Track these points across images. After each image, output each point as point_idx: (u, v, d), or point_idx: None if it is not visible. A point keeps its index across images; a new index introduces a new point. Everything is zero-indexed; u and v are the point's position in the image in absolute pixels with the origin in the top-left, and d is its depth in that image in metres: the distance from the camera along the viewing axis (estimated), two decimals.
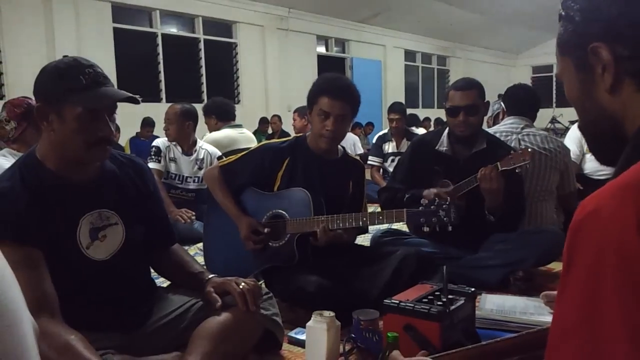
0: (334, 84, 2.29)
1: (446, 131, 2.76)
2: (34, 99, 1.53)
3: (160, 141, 3.96)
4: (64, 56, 1.55)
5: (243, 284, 1.66)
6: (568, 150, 3.11)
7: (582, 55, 0.76)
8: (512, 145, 2.83)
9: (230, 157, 2.53)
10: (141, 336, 1.64)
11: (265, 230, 2.27)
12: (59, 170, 1.51)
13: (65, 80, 1.43)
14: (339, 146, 2.53)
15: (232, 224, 2.41)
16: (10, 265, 1.34)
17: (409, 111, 6.39)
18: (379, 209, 2.63)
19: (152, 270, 1.87)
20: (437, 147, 2.74)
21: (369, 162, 5.59)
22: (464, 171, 2.55)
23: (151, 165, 3.76)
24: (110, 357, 1.44)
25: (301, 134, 2.50)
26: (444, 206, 2.07)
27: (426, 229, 2.11)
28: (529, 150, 2.46)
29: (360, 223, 2.21)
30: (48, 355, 1.27)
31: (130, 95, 1.50)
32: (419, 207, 2.15)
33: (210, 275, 1.75)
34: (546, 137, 3.01)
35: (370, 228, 3.34)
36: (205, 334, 1.57)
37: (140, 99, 1.53)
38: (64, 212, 1.51)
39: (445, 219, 2.06)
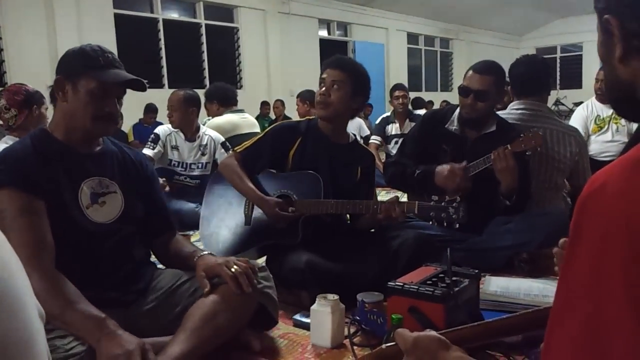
0: (335, 57, 2.44)
1: (457, 110, 2.72)
2: (28, 85, 1.64)
3: (162, 129, 3.95)
4: (88, 44, 1.70)
5: (235, 266, 1.64)
6: (582, 146, 2.83)
7: (602, 20, 0.76)
8: None
9: (245, 143, 2.52)
10: (139, 314, 1.66)
11: (290, 209, 2.27)
12: (66, 140, 1.66)
13: (86, 58, 1.62)
14: (351, 133, 2.54)
15: (230, 204, 2.45)
16: (14, 211, 1.50)
17: (412, 95, 6.38)
18: (383, 193, 2.64)
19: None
20: (446, 126, 2.72)
21: (370, 140, 5.61)
22: (472, 152, 2.54)
23: (144, 151, 3.75)
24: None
25: (313, 117, 2.52)
26: (454, 204, 2.08)
27: (434, 223, 2.13)
28: (540, 133, 2.42)
29: (371, 210, 2.22)
30: (52, 306, 1.35)
31: (137, 77, 1.66)
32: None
33: (202, 253, 1.76)
34: (562, 134, 2.77)
35: None
36: (195, 311, 1.59)
37: (147, 83, 1.68)
38: (68, 175, 1.63)
39: (454, 216, 2.07)
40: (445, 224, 2.11)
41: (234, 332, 1.66)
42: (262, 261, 2.46)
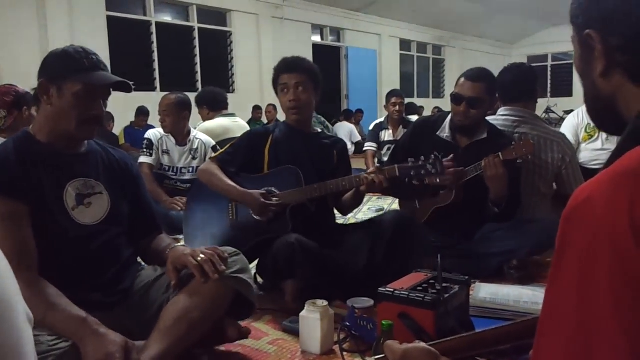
0: (286, 61, 2.50)
1: (449, 117, 2.74)
2: (20, 86, 1.63)
3: (152, 133, 3.92)
4: (71, 45, 1.70)
5: (201, 255, 1.62)
6: (566, 153, 2.79)
7: (583, 35, 0.76)
8: None
9: (219, 151, 2.60)
10: (123, 315, 1.64)
11: (274, 199, 2.30)
12: (49, 143, 1.64)
13: (70, 61, 1.60)
14: (317, 128, 2.64)
15: (212, 217, 2.46)
16: None
17: (405, 101, 6.41)
18: (374, 198, 2.66)
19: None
20: (438, 133, 2.74)
21: (365, 147, 5.63)
22: (463, 159, 2.55)
23: (142, 159, 3.77)
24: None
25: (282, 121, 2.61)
26: (431, 160, 2.15)
27: (416, 182, 2.19)
28: (532, 142, 2.44)
29: (355, 184, 2.26)
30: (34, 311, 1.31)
31: (124, 80, 1.65)
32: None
33: (174, 245, 1.75)
34: (543, 140, 2.77)
35: (364, 212, 3.39)
36: (169, 309, 1.58)
37: (133, 85, 1.66)
38: (52, 176, 1.61)
39: (433, 171, 2.15)
40: (426, 180, 2.20)
41: (210, 324, 1.64)
42: (253, 265, 2.46)
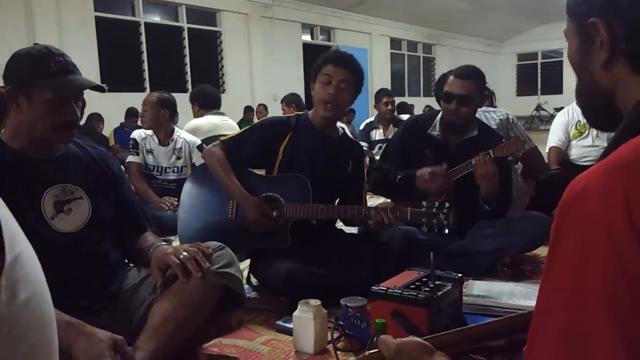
0: (338, 53, 2.49)
1: (439, 115, 2.74)
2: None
3: (137, 133, 3.92)
4: (35, 44, 1.59)
5: (184, 253, 1.59)
6: (510, 115, 3.23)
7: (584, 24, 0.74)
8: None
9: (231, 133, 2.50)
10: (110, 319, 1.60)
11: (274, 213, 2.24)
12: (22, 149, 1.56)
13: (37, 66, 1.50)
14: (339, 127, 2.55)
15: (212, 210, 2.38)
16: None
17: (396, 100, 6.43)
18: (367, 197, 2.66)
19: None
20: (429, 131, 2.73)
21: None
22: (454, 157, 2.56)
23: (130, 158, 3.78)
24: None
25: (303, 112, 2.51)
26: (445, 210, 2.11)
27: (425, 229, 2.16)
28: (522, 139, 2.48)
29: (363, 215, 2.22)
30: None
31: (98, 84, 1.60)
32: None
33: (158, 244, 1.71)
34: (488, 112, 3.17)
35: None
36: (155, 310, 1.55)
37: (106, 88, 1.62)
38: (27, 185, 1.56)
39: (444, 222, 2.11)
40: (436, 229, 2.15)
41: (200, 322, 1.63)
42: (247, 264, 2.44)
